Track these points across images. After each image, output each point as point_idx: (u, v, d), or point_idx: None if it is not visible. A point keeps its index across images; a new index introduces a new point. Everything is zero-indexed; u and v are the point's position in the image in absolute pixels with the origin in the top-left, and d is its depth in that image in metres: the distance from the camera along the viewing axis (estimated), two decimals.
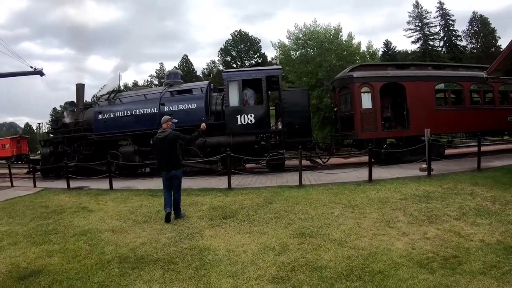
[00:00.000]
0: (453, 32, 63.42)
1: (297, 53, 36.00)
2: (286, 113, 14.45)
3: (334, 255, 5.13)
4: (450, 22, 63.23)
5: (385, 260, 4.81)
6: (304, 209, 7.68)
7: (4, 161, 41.58)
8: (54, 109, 68.52)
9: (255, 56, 70.03)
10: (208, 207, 8.48)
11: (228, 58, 71.15)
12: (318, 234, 6.04)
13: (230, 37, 74.10)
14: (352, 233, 6.03)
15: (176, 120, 8.74)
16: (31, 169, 18.19)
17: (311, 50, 35.46)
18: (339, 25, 35.77)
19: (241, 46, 71.48)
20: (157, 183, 11.86)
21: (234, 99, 14.66)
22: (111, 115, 16.26)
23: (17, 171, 22.82)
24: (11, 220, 8.71)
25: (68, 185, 13.11)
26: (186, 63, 76.13)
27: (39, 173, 17.88)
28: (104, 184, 12.94)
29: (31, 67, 23.43)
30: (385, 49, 66.57)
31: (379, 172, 11.19)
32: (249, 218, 7.28)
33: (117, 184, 12.71)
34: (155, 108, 15.50)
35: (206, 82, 16.50)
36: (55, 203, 10.47)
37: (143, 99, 16.06)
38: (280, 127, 14.67)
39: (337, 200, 8.20)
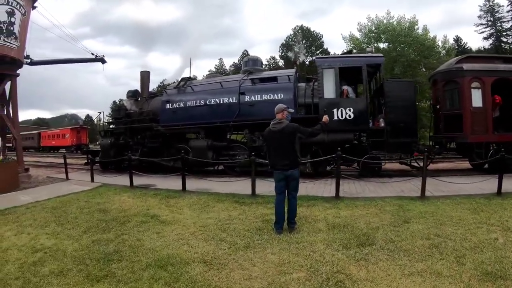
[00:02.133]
0: None
1: (368, 47, 33.12)
2: (390, 108, 11.90)
3: None
4: None
5: None
6: (458, 232, 5.70)
7: (64, 150, 41.93)
8: (114, 102, 68.79)
9: (317, 52, 66.10)
10: (325, 225, 6.31)
11: (290, 54, 67.96)
12: (506, 273, 4.19)
13: (291, 32, 71.17)
14: None
15: (293, 110, 6.96)
16: (89, 161, 16.51)
17: (385, 44, 32.62)
18: (414, 17, 32.95)
19: (303, 41, 68.20)
20: (239, 186, 9.84)
21: (329, 90, 12.07)
22: (181, 105, 14.08)
23: (75, 161, 21.44)
24: (59, 229, 6.46)
25: (131, 182, 10.89)
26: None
27: (98, 165, 16.06)
28: (173, 183, 10.68)
29: (92, 54, 22.07)
30: (455, 45, 60.76)
31: (495, 183, 8.66)
32: (397, 247, 5.14)
33: (189, 184, 10.34)
34: (234, 98, 13.15)
35: (293, 70, 13.92)
36: (116, 207, 8.18)
37: (218, 87, 13.72)
38: (382, 124, 11.98)
39: (483, 220, 6.35)
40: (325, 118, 6.62)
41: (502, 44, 56.15)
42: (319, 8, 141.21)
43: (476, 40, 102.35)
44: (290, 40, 69.86)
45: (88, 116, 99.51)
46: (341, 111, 11.75)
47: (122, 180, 11.70)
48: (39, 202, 8.86)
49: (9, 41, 12.94)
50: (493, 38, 57.79)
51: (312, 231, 5.97)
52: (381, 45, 32.81)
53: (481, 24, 58.73)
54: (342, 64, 12.24)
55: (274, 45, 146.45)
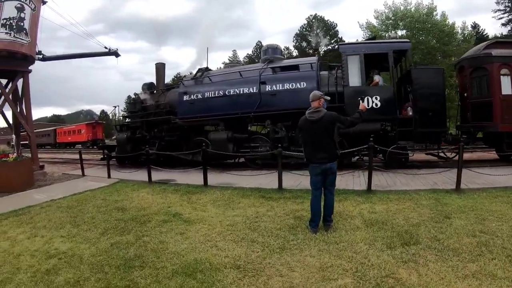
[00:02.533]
0: None
1: (386, 35, 32.55)
2: (418, 96, 11.14)
3: None
4: None
5: None
6: (503, 228, 5.20)
7: (80, 145, 42.12)
8: (129, 96, 68.80)
9: (332, 42, 64.85)
10: (361, 221, 5.76)
11: (304, 44, 66.56)
12: None
13: (305, 22, 69.62)
14: None
15: (329, 98, 6.24)
16: (105, 156, 16.16)
17: (403, 31, 31.99)
18: (432, 3, 32.04)
19: (317, 31, 66.74)
20: (264, 180, 9.35)
21: (354, 78, 11.40)
22: (199, 96, 13.45)
23: (91, 156, 21.14)
24: (75, 231, 5.94)
25: (150, 177, 10.38)
26: (260, 49, 72.59)
27: (114, 160, 15.69)
28: (193, 178, 10.22)
29: (105, 48, 21.57)
30: (473, 32, 58.57)
31: None
32: (444, 246, 4.63)
33: (211, 178, 9.78)
34: (254, 88, 12.49)
35: (315, 58, 13.31)
36: (135, 204, 7.66)
37: (238, 77, 12.99)
38: (410, 113, 11.25)
39: None
40: (362, 106, 5.92)
41: None
42: None
43: (493, 27, 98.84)
44: (304, 30, 68.54)
45: (103, 112, 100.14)
46: (368, 99, 11.05)
47: (140, 175, 11.21)
48: (54, 201, 8.42)
49: (20, 37, 12.53)
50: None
51: (350, 228, 5.42)
52: (399, 32, 32.01)
53: (499, 10, 56.65)
54: (367, 51, 11.50)
55: (287, 35, 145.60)
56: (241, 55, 79.13)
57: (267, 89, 12.29)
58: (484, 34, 57.23)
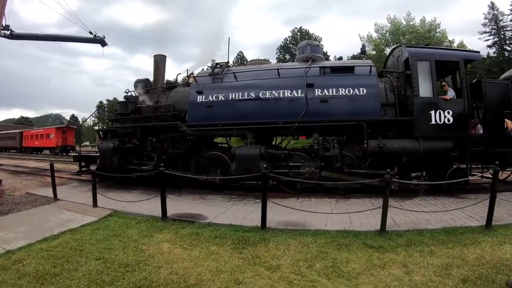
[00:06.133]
0: None
1: (446, 41, 32.66)
2: (489, 112, 9.84)
3: None
4: None
5: None
6: None
7: (48, 151, 39.04)
8: (100, 102, 64.95)
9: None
10: None
11: (287, 56, 65.06)
12: None
13: (290, 34, 69.06)
14: None
15: None
16: (83, 170, 12.54)
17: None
18: (435, 20, 33.17)
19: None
20: (341, 217, 6.52)
21: (425, 87, 9.64)
22: (221, 98, 10.40)
23: (62, 166, 17.25)
24: None
25: (164, 212, 6.82)
26: (241, 60, 70.18)
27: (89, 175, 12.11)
28: (227, 213, 7.14)
29: (90, 33, 18.03)
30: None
31: None
32: None
33: (255, 212, 6.65)
34: (299, 91, 9.92)
35: (370, 61, 11.07)
36: (167, 275, 4.12)
37: (274, 76, 10.26)
38: (481, 131, 9.88)
39: None
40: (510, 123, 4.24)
41: (506, 53, 54.15)
42: (307, 15, 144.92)
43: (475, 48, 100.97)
44: (288, 42, 67.52)
45: (73, 116, 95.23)
46: (440, 113, 9.36)
47: (142, 204, 7.79)
48: (11, 256, 4.75)
49: None
50: (497, 46, 55.85)
51: None
52: None
53: (485, 32, 56.82)
54: (440, 57, 9.77)
55: (262, 50, 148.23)
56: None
57: (316, 94, 9.84)
58: None
